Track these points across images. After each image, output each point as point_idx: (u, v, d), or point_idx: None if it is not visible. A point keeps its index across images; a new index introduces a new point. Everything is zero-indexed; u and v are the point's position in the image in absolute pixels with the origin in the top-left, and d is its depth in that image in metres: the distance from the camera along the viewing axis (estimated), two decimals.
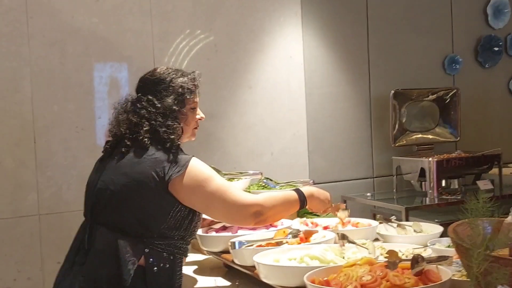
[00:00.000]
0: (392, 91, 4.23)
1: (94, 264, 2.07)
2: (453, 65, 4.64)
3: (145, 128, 2.15)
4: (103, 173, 2.20)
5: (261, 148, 4.02)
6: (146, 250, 2.07)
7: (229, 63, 3.93)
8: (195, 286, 2.39)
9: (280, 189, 3.07)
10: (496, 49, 4.76)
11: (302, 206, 2.34)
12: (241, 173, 2.96)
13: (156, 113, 2.18)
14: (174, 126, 2.20)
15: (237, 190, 2.22)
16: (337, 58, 4.28)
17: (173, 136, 2.18)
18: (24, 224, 3.39)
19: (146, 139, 2.13)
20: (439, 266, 1.70)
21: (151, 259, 2.07)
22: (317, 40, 4.22)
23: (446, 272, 1.68)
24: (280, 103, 4.07)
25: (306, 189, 2.37)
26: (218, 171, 2.94)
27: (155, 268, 2.07)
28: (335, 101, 4.26)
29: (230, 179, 2.89)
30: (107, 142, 2.28)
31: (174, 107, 2.22)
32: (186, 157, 2.14)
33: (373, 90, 4.38)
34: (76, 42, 3.52)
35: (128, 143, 2.16)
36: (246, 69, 3.99)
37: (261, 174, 2.97)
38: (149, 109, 2.18)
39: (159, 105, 2.19)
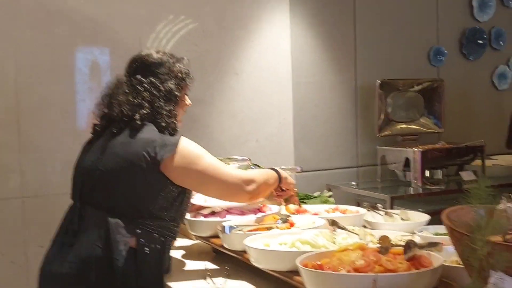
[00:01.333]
0: (378, 81, 4.25)
1: (84, 245, 2.05)
2: (438, 56, 4.67)
3: (143, 111, 2.13)
4: (92, 154, 2.18)
5: (246, 135, 4.02)
6: (138, 231, 2.06)
7: (216, 49, 3.91)
8: (184, 269, 2.38)
9: None
10: (481, 41, 4.81)
11: (278, 184, 2.46)
12: (229, 158, 2.95)
13: (159, 96, 2.17)
14: (174, 112, 2.20)
15: (228, 167, 2.32)
16: (324, 47, 4.29)
17: (174, 120, 2.19)
18: (7, 206, 3.35)
19: (140, 121, 2.12)
20: (430, 252, 1.72)
21: (142, 240, 2.06)
22: (305, 29, 4.22)
23: (438, 258, 1.69)
24: (266, 90, 4.07)
25: (280, 171, 2.49)
26: None
27: (146, 249, 2.06)
28: (322, 90, 4.27)
29: None
30: (95, 124, 2.26)
31: (176, 92, 2.21)
32: (176, 137, 2.14)
33: (359, 79, 4.40)
34: (63, 23, 3.47)
35: (121, 124, 2.14)
36: (233, 56, 3.97)
37: (249, 160, 2.96)
38: (153, 91, 2.16)
39: (162, 88, 2.18)
